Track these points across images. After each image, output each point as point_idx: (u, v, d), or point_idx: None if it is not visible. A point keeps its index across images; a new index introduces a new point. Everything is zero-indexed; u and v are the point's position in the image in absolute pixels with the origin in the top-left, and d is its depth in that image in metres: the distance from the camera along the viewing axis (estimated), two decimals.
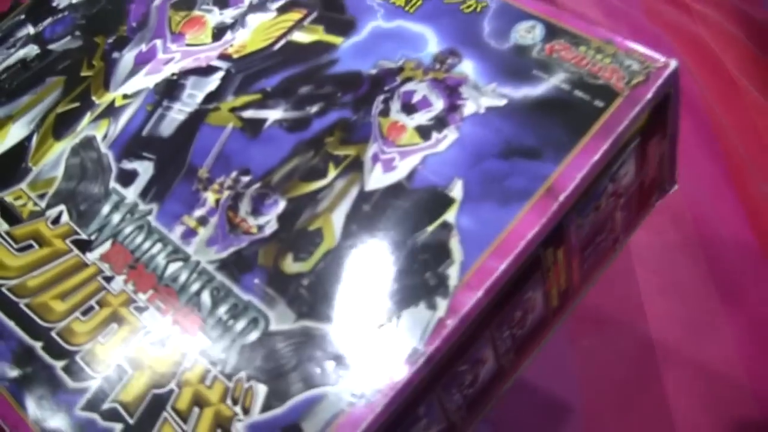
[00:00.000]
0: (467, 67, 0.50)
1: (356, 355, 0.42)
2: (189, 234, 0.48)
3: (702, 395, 0.58)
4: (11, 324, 0.47)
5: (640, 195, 0.53)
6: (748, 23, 0.80)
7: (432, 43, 0.52)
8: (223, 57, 0.55)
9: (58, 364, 0.45)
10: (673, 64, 0.47)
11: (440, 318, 0.41)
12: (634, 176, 0.50)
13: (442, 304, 0.42)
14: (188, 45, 0.57)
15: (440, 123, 0.48)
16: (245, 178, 0.49)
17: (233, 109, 0.52)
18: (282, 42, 0.55)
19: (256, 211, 0.48)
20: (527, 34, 0.50)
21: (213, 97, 0.53)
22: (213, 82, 0.54)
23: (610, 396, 0.57)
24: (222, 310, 0.44)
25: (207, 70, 0.55)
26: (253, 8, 0.57)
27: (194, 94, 0.54)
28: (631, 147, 0.48)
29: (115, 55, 0.58)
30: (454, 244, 0.43)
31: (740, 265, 0.68)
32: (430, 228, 0.44)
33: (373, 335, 0.42)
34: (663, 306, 0.67)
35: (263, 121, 0.51)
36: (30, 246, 0.49)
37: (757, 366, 0.60)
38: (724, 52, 0.78)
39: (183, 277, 0.46)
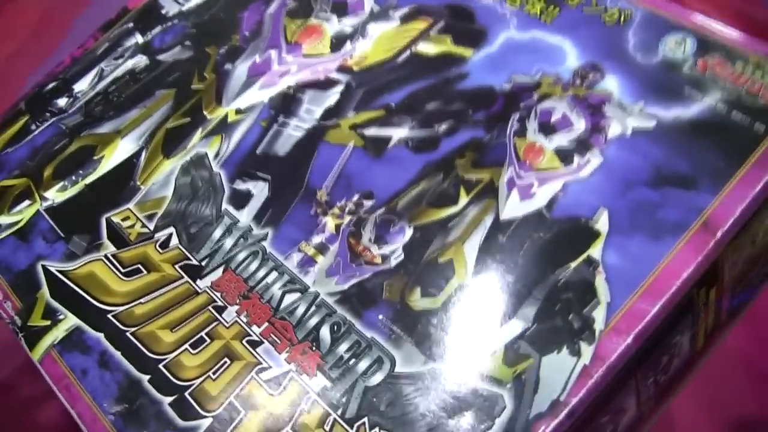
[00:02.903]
0: (611, 83, 0.46)
1: (491, 404, 0.38)
2: (307, 262, 0.44)
3: (702, 395, 0.56)
4: (117, 354, 0.44)
5: None
6: (748, 23, 0.77)
7: (571, 57, 0.47)
8: (342, 69, 0.52)
9: (166, 400, 0.42)
10: None
11: (585, 366, 0.37)
12: None
13: (587, 350, 0.38)
14: (305, 56, 0.53)
15: (582, 145, 0.44)
16: (368, 203, 0.45)
17: (354, 126, 0.49)
18: (406, 53, 0.51)
19: (381, 239, 0.44)
20: (677, 47, 0.46)
21: (332, 112, 0.50)
22: (332, 96, 0.51)
23: None
24: (343, 348, 0.41)
25: (325, 84, 0.52)
26: (374, 17, 0.54)
27: (312, 110, 0.51)
28: None
29: (228, 66, 0.55)
30: (600, 283, 0.39)
31: None
32: (574, 264, 0.40)
33: (511, 383, 0.38)
34: None
35: (387, 139, 0.48)
36: (138, 271, 0.46)
37: (757, 366, 0.58)
38: None
39: (300, 310, 0.43)
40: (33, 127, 0.56)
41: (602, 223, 0.41)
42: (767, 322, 0.58)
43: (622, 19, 0.48)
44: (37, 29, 0.87)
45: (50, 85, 0.59)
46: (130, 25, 0.61)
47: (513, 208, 0.43)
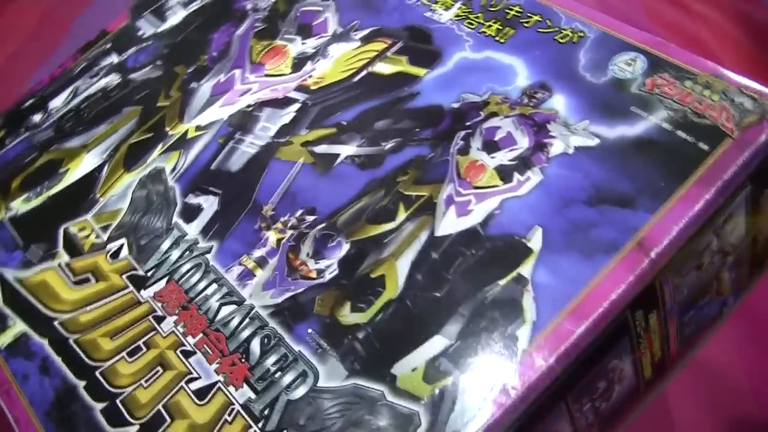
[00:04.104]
0: (558, 102, 0.45)
1: (406, 421, 0.37)
2: (246, 275, 0.44)
3: (702, 395, 0.54)
4: (58, 360, 0.44)
5: (754, 252, 0.47)
6: (748, 23, 0.76)
7: (521, 76, 0.47)
8: (301, 88, 0.52)
9: (98, 407, 0.42)
10: None
11: (504, 385, 0.36)
12: (744, 231, 0.44)
13: (509, 369, 0.37)
14: (267, 75, 0.54)
15: (524, 163, 0.43)
16: (310, 218, 0.45)
17: (306, 143, 0.49)
18: (363, 73, 0.52)
19: (318, 253, 0.44)
20: (627, 66, 0.45)
21: (286, 130, 0.50)
22: (288, 114, 0.51)
23: None
24: (271, 361, 0.41)
25: (283, 102, 0.52)
26: (336, 38, 0.54)
27: (268, 127, 0.51)
28: (741, 197, 0.42)
29: (193, 85, 0.56)
30: (528, 302, 0.38)
31: None
32: (503, 282, 0.39)
33: (427, 400, 0.37)
34: None
35: (335, 156, 0.48)
36: (87, 280, 0.47)
37: (757, 366, 0.55)
38: (724, 52, 0.74)
39: (234, 322, 0.43)
40: (7, 141, 0.58)
41: (535, 241, 0.40)
42: (767, 322, 0.57)
43: (575, 38, 0.47)
44: (37, 29, 0.88)
45: (28, 102, 0.61)
46: (108, 45, 0.63)
47: (449, 224, 0.42)
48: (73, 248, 0.49)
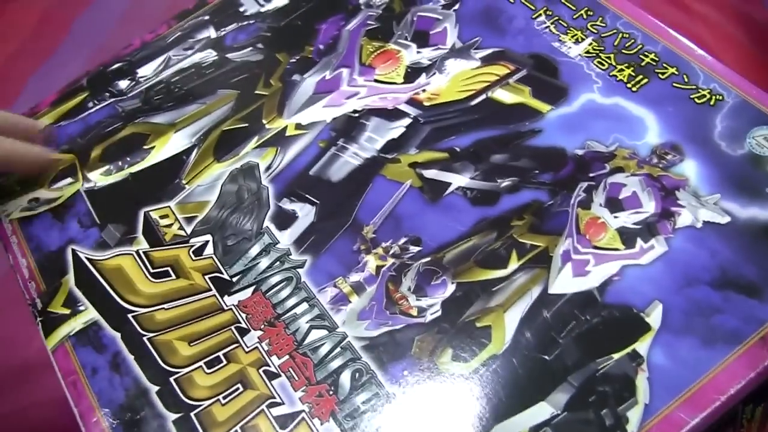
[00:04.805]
0: (689, 168, 0.43)
1: None
2: (340, 300, 0.42)
3: None
4: (131, 358, 0.42)
5: None
6: (748, 23, 0.76)
7: (652, 132, 0.45)
8: (413, 102, 0.50)
9: (171, 417, 0.40)
10: None
11: None
12: None
13: None
14: (377, 81, 0.52)
15: (648, 230, 0.41)
16: (414, 249, 0.43)
17: (415, 165, 0.47)
18: (481, 97, 0.49)
19: (420, 289, 0.42)
20: (766, 142, 0.43)
21: (394, 146, 0.48)
22: (397, 128, 0.49)
23: None
24: (361, 398, 0.39)
25: (392, 114, 0.50)
26: (454, 53, 0.52)
27: (374, 139, 0.49)
28: None
29: (296, 77, 0.53)
30: (641, 382, 0.37)
31: None
32: (617, 356, 0.38)
33: None
34: None
35: (446, 185, 0.45)
36: (166, 274, 0.45)
37: None
38: (724, 52, 0.73)
39: (324, 349, 0.41)
40: (90, 104, 0.55)
41: (654, 318, 0.38)
42: None
43: (712, 100, 0.45)
44: (37, 29, 0.87)
45: (115, 66, 0.57)
46: (206, 17, 0.60)
47: (564, 283, 0.40)
48: (153, 236, 0.47)
